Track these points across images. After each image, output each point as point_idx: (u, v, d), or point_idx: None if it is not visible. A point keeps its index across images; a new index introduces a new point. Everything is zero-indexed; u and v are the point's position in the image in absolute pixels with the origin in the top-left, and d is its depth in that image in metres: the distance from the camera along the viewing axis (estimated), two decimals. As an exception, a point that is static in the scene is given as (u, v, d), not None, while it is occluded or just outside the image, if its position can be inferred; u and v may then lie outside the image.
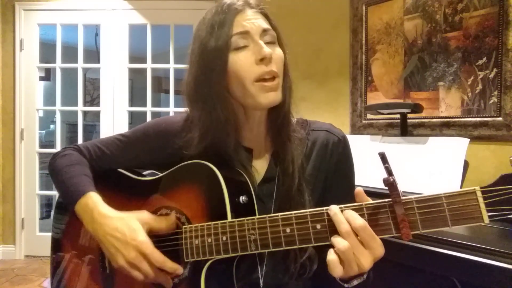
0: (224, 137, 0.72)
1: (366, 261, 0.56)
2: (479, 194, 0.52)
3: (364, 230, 0.55)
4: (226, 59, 0.69)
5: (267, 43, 0.71)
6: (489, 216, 0.51)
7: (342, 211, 0.58)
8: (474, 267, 0.91)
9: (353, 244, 0.55)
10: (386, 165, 0.56)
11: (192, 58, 0.75)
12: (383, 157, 0.56)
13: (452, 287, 0.95)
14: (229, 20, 0.70)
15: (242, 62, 0.69)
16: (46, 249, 3.24)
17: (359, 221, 0.56)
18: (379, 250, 0.57)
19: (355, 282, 0.60)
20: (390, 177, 0.55)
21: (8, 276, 2.75)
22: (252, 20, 0.71)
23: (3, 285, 2.58)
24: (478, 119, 1.65)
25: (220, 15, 0.72)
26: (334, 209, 0.58)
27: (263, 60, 0.68)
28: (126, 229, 0.68)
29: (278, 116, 0.75)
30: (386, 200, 0.56)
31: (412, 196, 0.55)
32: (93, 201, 0.73)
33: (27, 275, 2.77)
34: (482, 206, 0.51)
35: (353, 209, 0.58)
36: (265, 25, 0.72)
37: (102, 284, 0.81)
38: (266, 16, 0.75)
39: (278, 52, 0.72)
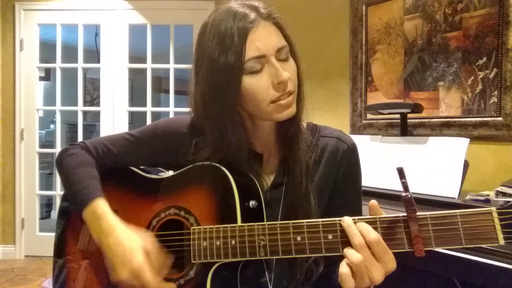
0: (235, 154, 0.72)
1: (378, 274, 0.56)
2: (495, 215, 0.51)
3: (378, 244, 0.55)
4: (240, 83, 0.67)
5: (281, 60, 0.69)
6: (505, 238, 0.50)
7: (355, 223, 0.57)
8: (474, 267, 0.91)
9: (366, 257, 0.55)
10: (403, 180, 0.55)
11: (201, 72, 0.71)
12: (401, 172, 0.56)
13: (452, 287, 0.95)
14: (242, 40, 0.65)
15: (258, 86, 0.67)
16: (46, 249, 3.23)
17: (373, 235, 0.55)
18: (392, 264, 0.57)
19: None
20: (408, 193, 0.54)
21: (8, 276, 2.75)
22: (266, 39, 0.67)
23: (3, 285, 2.58)
24: (478, 119, 1.65)
25: (229, 29, 0.66)
26: (347, 221, 0.57)
27: (281, 84, 0.67)
28: (127, 247, 0.68)
29: (290, 126, 0.75)
30: (401, 215, 0.56)
31: (427, 213, 0.55)
32: (101, 210, 0.73)
33: (27, 275, 2.77)
34: (498, 227, 0.51)
35: (366, 222, 0.57)
36: (279, 41, 0.69)
37: (106, 285, 0.81)
38: (279, 27, 0.71)
39: (292, 66, 0.70)
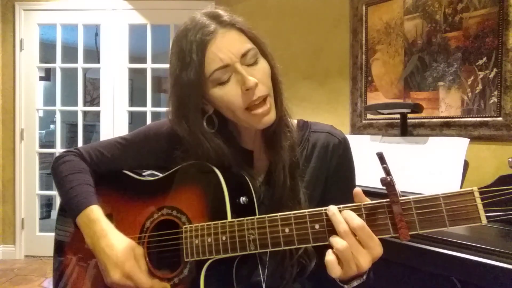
0: (217, 158, 0.72)
1: (365, 260, 0.56)
2: (477, 194, 0.51)
3: (362, 230, 0.56)
4: (200, 99, 0.70)
5: (249, 65, 0.68)
6: (487, 217, 0.51)
7: (340, 211, 0.58)
8: (474, 267, 0.91)
9: (352, 243, 0.56)
10: (384, 165, 0.56)
11: (170, 86, 0.74)
12: (381, 157, 0.57)
13: (452, 287, 0.95)
14: (200, 55, 0.66)
15: (229, 95, 0.68)
16: (46, 249, 3.23)
17: (357, 221, 0.56)
18: (378, 249, 0.57)
19: (354, 283, 0.60)
20: (388, 177, 0.55)
21: (8, 276, 2.75)
22: (227, 47, 0.66)
23: (3, 285, 2.58)
24: (478, 119, 1.65)
25: (188, 45, 0.68)
26: (332, 209, 0.58)
27: (249, 90, 0.67)
28: (120, 250, 0.70)
29: (270, 127, 0.75)
30: (384, 200, 0.56)
31: (410, 197, 0.55)
32: (96, 216, 0.75)
33: (27, 275, 2.77)
34: (480, 206, 0.51)
35: (351, 209, 0.58)
36: (242, 46, 0.68)
37: (104, 286, 0.81)
38: (242, 31, 0.70)
39: (261, 69, 0.69)
